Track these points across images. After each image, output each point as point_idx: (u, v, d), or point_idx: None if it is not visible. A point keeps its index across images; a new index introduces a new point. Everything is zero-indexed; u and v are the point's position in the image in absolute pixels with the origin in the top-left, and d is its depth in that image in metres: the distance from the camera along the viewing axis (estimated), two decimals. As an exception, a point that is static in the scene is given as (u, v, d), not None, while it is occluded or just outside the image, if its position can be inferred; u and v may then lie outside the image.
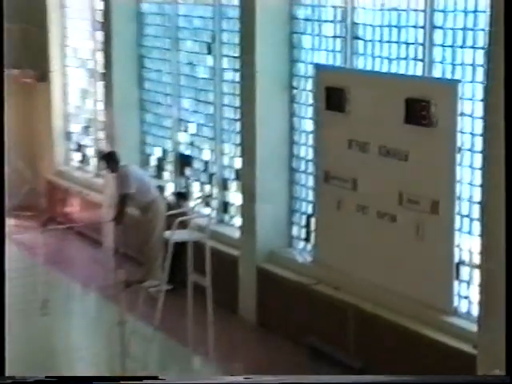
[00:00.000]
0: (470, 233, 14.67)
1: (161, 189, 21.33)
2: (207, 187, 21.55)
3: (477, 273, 14.18)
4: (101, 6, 24.37)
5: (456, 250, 14.54)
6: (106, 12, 23.78)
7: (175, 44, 22.53)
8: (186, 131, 22.36)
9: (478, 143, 13.95)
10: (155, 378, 8.00)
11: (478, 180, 13.99)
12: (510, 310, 7.95)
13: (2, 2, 8.11)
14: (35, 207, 26.54)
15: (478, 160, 13.84)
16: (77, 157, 27.27)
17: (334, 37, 17.59)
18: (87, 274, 22.54)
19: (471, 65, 14.47)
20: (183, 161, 22.32)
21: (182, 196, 21.05)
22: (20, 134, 27.23)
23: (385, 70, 16.31)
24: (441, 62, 15.20)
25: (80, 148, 27.14)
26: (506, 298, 7.98)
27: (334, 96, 16.08)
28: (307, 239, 18.63)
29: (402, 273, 15.39)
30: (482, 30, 14.01)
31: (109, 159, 19.96)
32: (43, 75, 27.12)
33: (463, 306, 14.78)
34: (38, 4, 26.88)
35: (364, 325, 16.08)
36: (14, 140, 26.86)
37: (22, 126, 27.42)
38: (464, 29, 14.61)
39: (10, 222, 25.06)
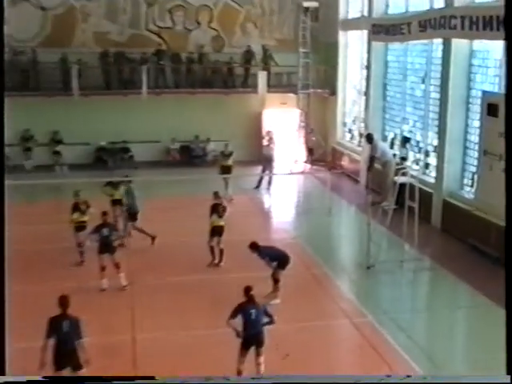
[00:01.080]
0: None
1: (394, 155, 20.73)
2: (417, 155, 20.92)
3: None
4: (365, 56, 23.97)
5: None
6: (369, 59, 23.56)
7: (404, 77, 21.95)
8: (407, 124, 21.76)
9: None
10: (150, 378, 6.13)
11: None
12: (510, 310, 6.12)
13: (2, 3, 6.15)
14: (325, 160, 26.52)
15: None
16: (348, 135, 26.93)
17: (495, 76, 16.82)
18: (351, 196, 22.36)
19: None
20: (405, 140, 21.72)
21: (403, 159, 20.50)
22: (319, 123, 27.25)
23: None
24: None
25: (350, 131, 26.84)
26: (506, 299, 6.20)
27: (492, 108, 15.30)
28: (472, 186, 17.95)
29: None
30: None
31: (367, 137, 19.59)
32: (333, 92, 26.91)
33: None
34: (333, 55, 26.59)
35: (500, 232, 15.24)
36: (316, 125, 26.96)
37: (320, 119, 27.42)
38: None
39: (314, 167, 25.13)
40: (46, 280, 14.32)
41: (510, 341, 6.07)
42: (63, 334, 9.20)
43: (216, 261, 15.43)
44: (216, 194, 16.04)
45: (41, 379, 5.71)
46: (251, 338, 9.82)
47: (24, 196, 21.49)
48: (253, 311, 9.77)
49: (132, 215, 16.94)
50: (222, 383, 6.46)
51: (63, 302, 9.34)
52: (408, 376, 7.57)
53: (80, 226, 15.60)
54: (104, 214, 14.43)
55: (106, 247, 14.08)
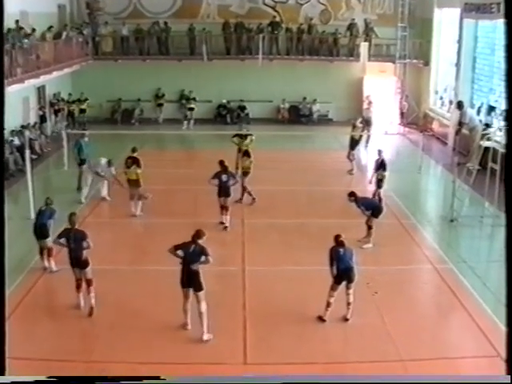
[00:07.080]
0: None
1: (480, 121, 20.09)
2: (501, 122, 20.05)
3: None
4: (457, 31, 23.18)
5: None
6: (460, 35, 22.95)
7: (492, 51, 21.18)
8: (494, 94, 20.97)
9: None
10: (156, 378, 5.50)
11: None
12: (511, 310, 5.56)
13: (2, 2, 5.68)
14: (417, 124, 26.23)
15: None
16: (439, 102, 26.21)
17: None
18: (439, 157, 21.71)
19: None
20: (491, 108, 20.91)
21: (488, 125, 19.79)
22: (413, 91, 26.77)
23: None
24: None
25: (441, 98, 26.05)
26: (507, 299, 5.61)
27: None
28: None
29: None
30: None
31: (458, 104, 19.12)
32: (427, 63, 26.40)
33: None
34: (428, 29, 26.08)
35: None
36: (410, 91, 26.40)
37: (414, 87, 26.93)
38: None
39: (407, 130, 24.54)
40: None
41: (510, 341, 5.60)
42: (189, 255, 9.54)
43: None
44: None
45: (46, 379, 5.21)
46: (343, 274, 10.02)
47: (156, 144, 22.37)
48: (341, 250, 10.02)
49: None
50: (223, 383, 6.06)
51: (198, 234, 9.68)
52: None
53: (245, 172, 15.76)
54: (222, 162, 14.58)
55: (223, 191, 14.37)
